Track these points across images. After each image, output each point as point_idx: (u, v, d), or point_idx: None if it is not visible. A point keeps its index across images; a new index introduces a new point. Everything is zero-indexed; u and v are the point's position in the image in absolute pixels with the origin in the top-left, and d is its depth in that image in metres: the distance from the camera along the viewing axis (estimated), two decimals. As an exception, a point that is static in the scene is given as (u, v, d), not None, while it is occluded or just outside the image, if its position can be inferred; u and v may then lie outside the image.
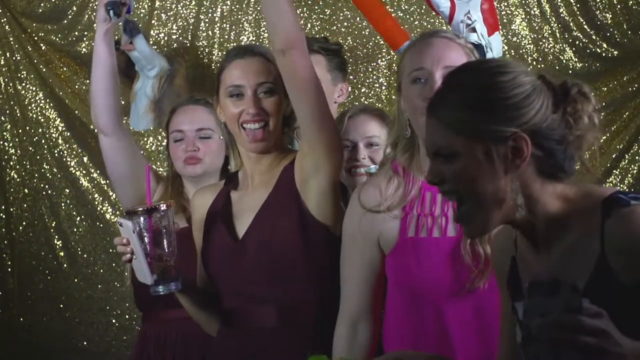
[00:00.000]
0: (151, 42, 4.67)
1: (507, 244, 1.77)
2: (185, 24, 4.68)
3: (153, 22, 4.68)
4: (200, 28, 4.67)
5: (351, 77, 4.07)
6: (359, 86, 4.51)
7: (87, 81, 4.70)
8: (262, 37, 4.66)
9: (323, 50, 3.17)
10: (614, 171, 4.48)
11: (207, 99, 2.86)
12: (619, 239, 1.56)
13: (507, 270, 1.77)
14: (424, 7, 4.53)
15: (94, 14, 4.70)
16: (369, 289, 2.33)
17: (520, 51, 4.56)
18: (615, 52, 4.50)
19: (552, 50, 4.57)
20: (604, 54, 4.51)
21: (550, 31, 4.58)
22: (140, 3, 4.68)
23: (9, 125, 4.70)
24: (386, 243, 2.29)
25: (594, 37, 4.52)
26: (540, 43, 4.59)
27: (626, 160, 4.49)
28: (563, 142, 1.63)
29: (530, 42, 4.60)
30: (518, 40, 4.57)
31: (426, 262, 2.22)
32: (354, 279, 2.33)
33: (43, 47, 4.69)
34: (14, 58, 4.69)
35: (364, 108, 2.97)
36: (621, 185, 4.44)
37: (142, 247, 2.22)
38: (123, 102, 4.38)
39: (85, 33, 4.70)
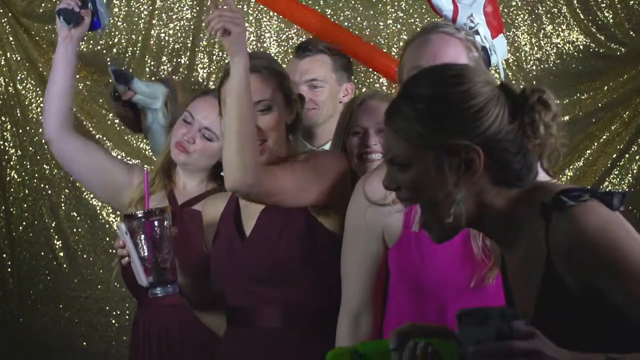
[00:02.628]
0: (152, 42, 4.69)
1: None
2: (186, 23, 4.68)
3: (154, 22, 4.69)
4: (201, 28, 4.67)
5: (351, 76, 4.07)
6: (359, 86, 4.50)
7: (88, 82, 4.73)
8: (262, 37, 4.67)
9: (329, 50, 3.18)
10: (614, 171, 4.49)
11: None
12: (559, 243, 1.56)
13: (500, 265, 1.79)
14: (424, 7, 4.54)
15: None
16: (371, 282, 2.32)
17: (521, 51, 4.57)
18: (617, 52, 4.52)
19: (553, 51, 4.58)
20: (605, 53, 4.53)
21: (551, 31, 4.59)
22: (141, 3, 4.69)
23: (9, 125, 4.69)
24: (390, 236, 2.28)
25: (596, 36, 4.53)
26: (542, 43, 4.60)
27: (626, 160, 4.50)
28: (520, 152, 1.62)
29: (531, 42, 4.61)
30: (519, 41, 4.58)
31: (429, 258, 2.21)
32: (357, 272, 2.32)
33: (44, 47, 4.68)
34: (14, 58, 4.69)
35: (373, 94, 2.96)
36: (621, 185, 4.46)
37: (137, 250, 2.25)
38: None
39: (86, 33, 4.68)
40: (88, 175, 2.93)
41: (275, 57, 4.59)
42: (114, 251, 3.31)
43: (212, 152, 2.82)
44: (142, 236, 2.26)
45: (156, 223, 2.27)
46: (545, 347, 1.42)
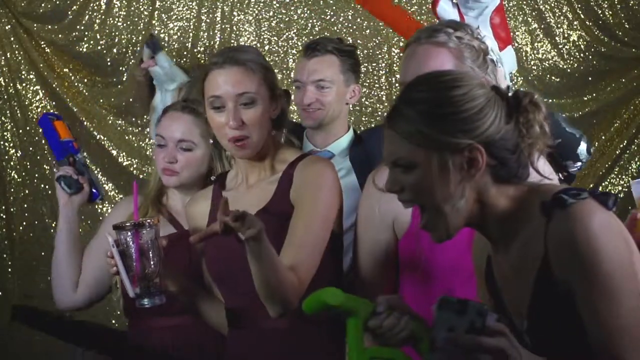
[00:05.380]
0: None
1: (484, 244, 1.82)
2: (185, 24, 4.69)
3: (154, 22, 4.70)
4: (201, 28, 4.68)
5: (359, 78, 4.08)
6: (359, 86, 4.52)
7: (88, 82, 4.73)
8: (262, 37, 4.68)
9: (337, 52, 3.16)
10: (614, 171, 4.50)
11: (198, 107, 2.74)
12: (556, 239, 1.61)
13: (484, 268, 1.83)
14: (424, 7, 4.56)
15: (95, 14, 4.72)
16: (383, 273, 2.32)
17: (522, 51, 4.58)
18: (618, 52, 4.53)
19: (554, 50, 4.59)
20: (606, 53, 4.54)
21: (552, 31, 4.60)
22: (141, 3, 4.70)
23: (9, 125, 4.69)
24: (399, 227, 2.29)
25: (597, 36, 4.54)
26: (542, 43, 4.61)
27: (626, 160, 4.52)
28: (516, 151, 1.69)
29: (531, 42, 4.62)
30: (520, 40, 4.59)
31: (438, 247, 2.22)
32: (368, 263, 2.33)
33: (44, 47, 4.69)
34: (14, 58, 4.69)
35: None
36: (621, 184, 4.48)
37: (124, 261, 2.25)
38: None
39: (86, 33, 4.71)
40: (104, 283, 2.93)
41: (275, 57, 4.61)
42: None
43: (197, 160, 2.76)
44: (131, 247, 2.25)
45: (145, 235, 2.25)
46: (510, 347, 1.50)
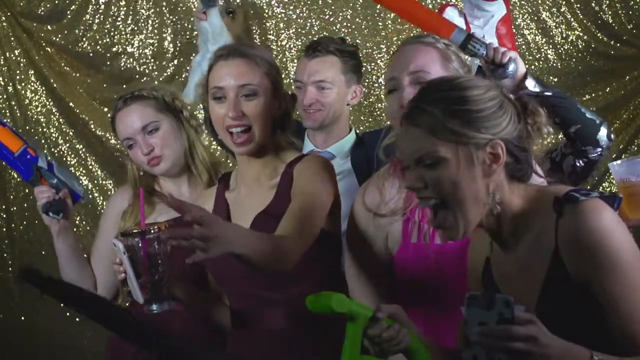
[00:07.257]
0: (149, 43, 4.69)
1: (483, 246, 1.87)
2: (185, 24, 4.68)
3: (152, 22, 4.70)
4: (201, 28, 4.67)
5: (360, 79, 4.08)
6: (357, 85, 4.52)
7: (89, 81, 4.73)
8: (263, 36, 4.67)
9: (338, 52, 3.14)
10: (613, 169, 4.50)
11: (136, 92, 2.77)
12: (568, 234, 1.68)
13: (481, 270, 1.87)
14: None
15: (94, 14, 4.72)
16: (377, 286, 2.33)
17: (521, 52, 4.57)
18: (618, 51, 4.53)
19: (553, 50, 4.59)
20: (606, 52, 4.53)
21: (551, 31, 4.60)
22: (140, 3, 4.70)
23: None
24: (392, 244, 2.31)
25: (597, 35, 4.54)
26: (541, 43, 4.61)
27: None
28: (526, 150, 1.78)
29: (531, 42, 4.62)
30: (519, 40, 4.59)
31: (429, 268, 2.24)
32: (363, 279, 2.34)
33: (43, 47, 4.69)
34: (13, 58, 4.70)
35: None
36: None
37: (133, 267, 2.24)
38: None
39: (85, 33, 4.71)
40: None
41: (275, 57, 4.61)
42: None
43: (170, 135, 2.74)
44: (139, 253, 2.24)
45: (152, 241, 2.25)
46: (542, 334, 1.55)
